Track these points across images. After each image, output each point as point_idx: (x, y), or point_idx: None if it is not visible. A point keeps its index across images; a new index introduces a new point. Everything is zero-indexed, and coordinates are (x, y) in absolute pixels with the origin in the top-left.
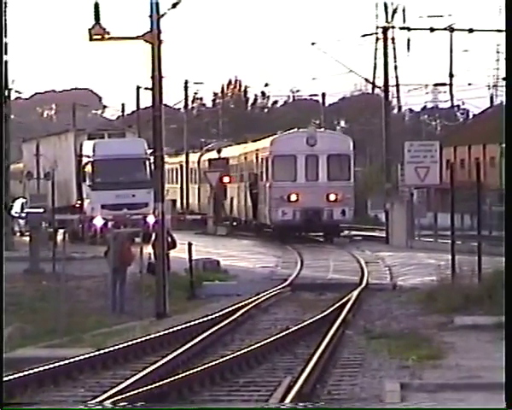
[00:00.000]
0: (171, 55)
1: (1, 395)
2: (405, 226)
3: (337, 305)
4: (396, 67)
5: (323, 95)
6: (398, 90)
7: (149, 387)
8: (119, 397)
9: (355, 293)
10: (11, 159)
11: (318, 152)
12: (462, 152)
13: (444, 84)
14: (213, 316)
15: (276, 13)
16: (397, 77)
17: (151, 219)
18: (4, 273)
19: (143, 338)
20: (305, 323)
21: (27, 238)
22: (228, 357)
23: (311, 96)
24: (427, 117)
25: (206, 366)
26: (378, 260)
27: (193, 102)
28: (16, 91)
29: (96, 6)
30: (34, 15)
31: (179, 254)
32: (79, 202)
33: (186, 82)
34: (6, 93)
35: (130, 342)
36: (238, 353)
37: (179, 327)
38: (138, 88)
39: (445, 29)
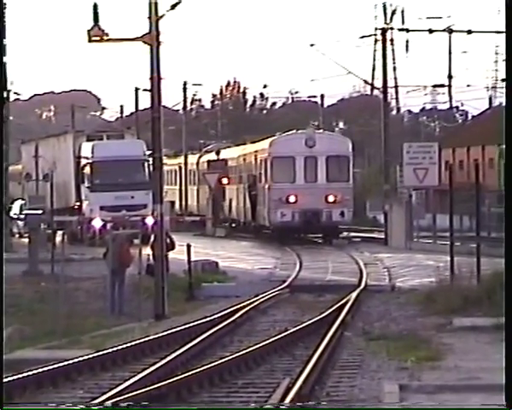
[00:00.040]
0: (170, 56)
1: (1, 395)
2: (404, 228)
3: (336, 306)
4: (395, 69)
5: (322, 96)
6: (396, 92)
7: (148, 388)
8: (118, 399)
9: (354, 294)
10: (10, 160)
11: (317, 153)
12: (460, 153)
13: (442, 86)
14: (212, 317)
15: (274, 14)
16: (395, 78)
17: (150, 221)
18: (4, 275)
19: (142, 340)
20: (304, 324)
21: (26, 240)
22: (227, 358)
23: (309, 97)
24: (426, 118)
25: (204, 367)
26: (377, 262)
27: (192, 103)
28: (15, 93)
29: (95, 7)
30: (33, 17)
31: (178, 255)
32: (78, 203)
33: (185, 83)
34: (5, 94)
35: (128, 344)
36: (237, 354)
37: (178, 329)
38: (137, 89)
39: (443, 30)
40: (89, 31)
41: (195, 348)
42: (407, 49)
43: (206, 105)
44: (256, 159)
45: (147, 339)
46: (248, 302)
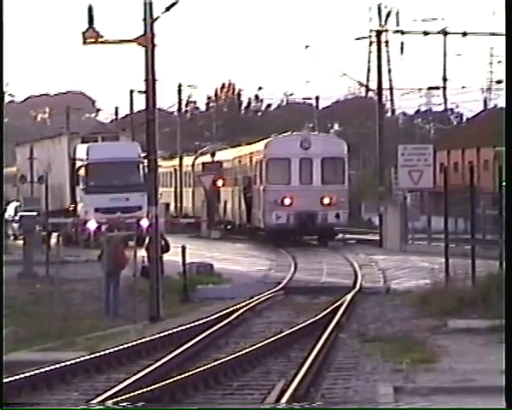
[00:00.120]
0: (165, 58)
1: (1, 395)
2: (399, 230)
3: (331, 308)
4: (390, 71)
5: (317, 98)
6: (391, 94)
7: (142, 390)
8: (112, 401)
9: (349, 296)
10: (5, 162)
11: (312, 155)
12: (455, 155)
13: (437, 88)
14: (207, 319)
15: (269, 16)
16: (390, 80)
17: (145, 223)
18: (4, 277)
19: (137, 342)
20: (299, 326)
21: (21, 242)
22: (222, 360)
23: (304, 99)
24: (421, 120)
25: (200, 369)
26: (372, 264)
27: (186, 105)
28: (10, 95)
29: (90, 9)
30: (28, 18)
31: (173, 257)
32: (73, 205)
33: (180, 85)
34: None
35: (123, 346)
36: (232, 356)
37: (173, 330)
38: (132, 91)
39: (438, 32)
40: (84, 33)
41: (190, 350)
42: (402, 51)
43: (201, 107)
44: (251, 161)
45: (142, 341)
46: (243, 304)
